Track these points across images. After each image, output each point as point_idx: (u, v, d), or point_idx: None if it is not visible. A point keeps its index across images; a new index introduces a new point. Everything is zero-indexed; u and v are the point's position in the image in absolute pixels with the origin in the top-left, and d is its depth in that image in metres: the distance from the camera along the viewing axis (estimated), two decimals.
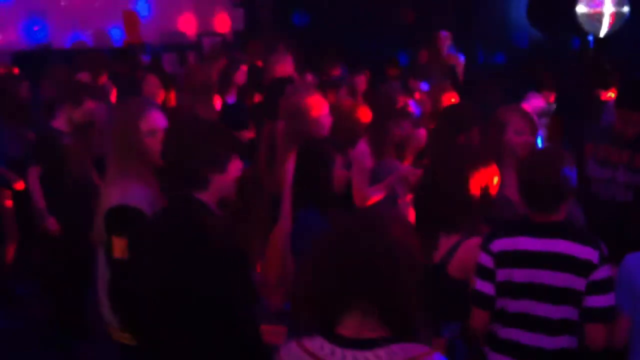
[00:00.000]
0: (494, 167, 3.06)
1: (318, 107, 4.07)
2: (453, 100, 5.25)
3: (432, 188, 3.06)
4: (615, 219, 3.82)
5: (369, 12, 10.91)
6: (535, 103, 6.42)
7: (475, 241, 2.91)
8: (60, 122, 5.19)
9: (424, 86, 6.61)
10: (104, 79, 7.07)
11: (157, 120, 3.09)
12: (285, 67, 6.31)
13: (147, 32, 10.70)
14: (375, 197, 4.23)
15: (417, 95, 6.08)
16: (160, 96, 5.84)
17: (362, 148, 4.36)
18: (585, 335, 2.75)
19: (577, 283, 2.71)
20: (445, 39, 8.64)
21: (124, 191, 2.96)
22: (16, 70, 7.39)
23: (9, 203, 5.93)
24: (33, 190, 5.16)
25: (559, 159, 2.83)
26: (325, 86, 6.25)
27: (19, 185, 5.72)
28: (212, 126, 2.79)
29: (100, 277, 3.18)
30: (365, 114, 4.84)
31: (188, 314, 2.48)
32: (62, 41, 9.99)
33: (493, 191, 3.06)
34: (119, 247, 2.87)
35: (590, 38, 9.37)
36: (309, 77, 7.11)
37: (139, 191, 2.97)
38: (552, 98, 6.79)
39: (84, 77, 6.76)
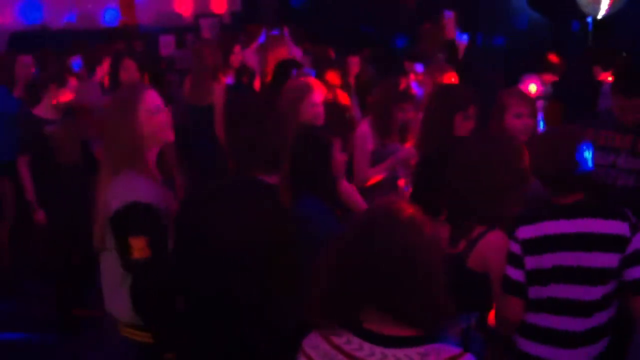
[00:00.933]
0: (527, 154, 2.90)
1: (316, 94, 4.04)
2: (453, 80, 5.21)
3: (460, 178, 2.90)
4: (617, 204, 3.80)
5: None
6: (530, 85, 6.37)
7: (496, 234, 2.83)
8: (41, 109, 5.10)
9: (419, 67, 6.54)
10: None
11: (155, 99, 2.95)
12: (284, 50, 6.27)
13: (143, 14, 10.61)
14: (375, 178, 4.22)
15: (411, 77, 6.01)
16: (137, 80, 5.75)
17: (364, 129, 4.33)
18: (631, 309, 2.69)
19: (612, 260, 2.65)
20: (450, 19, 8.40)
21: (129, 188, 2.80)
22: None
23: (9, 185, 5.88)
24: (23, 181, 5.11)
25: (569, 140, 2.78)
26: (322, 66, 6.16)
27: None
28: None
29: (106, 277, 3.03)
30: (344, 98, 4.87)
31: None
32: (57, 22, 9.91)
33: (526, 178, 2.91)
34: (138, 247, 2.73)
35: (590, 20, 9.31)
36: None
37: (146, 185, 2.83)
38: (549, 80, 6.74)
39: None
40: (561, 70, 6.75)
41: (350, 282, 1.84)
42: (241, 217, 2.55)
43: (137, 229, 2.73)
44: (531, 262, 2.74)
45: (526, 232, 2.76)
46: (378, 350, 1.82)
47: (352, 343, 1.85)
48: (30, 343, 5.16)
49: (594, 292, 2.70)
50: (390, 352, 1.81)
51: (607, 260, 2.66)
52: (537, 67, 6.78)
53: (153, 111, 2.90)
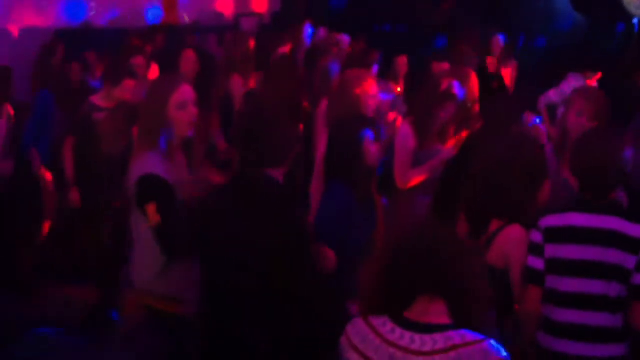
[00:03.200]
0: (544, 150, 2.99)
1: (366, 88, 4.06)
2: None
3: (479, 176, 3.00)
4: None
5: None
6: (573, 84, 6.29)
7: (515, 228, 2.87)
8: (98, 98, 5.25)
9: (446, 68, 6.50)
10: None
11: (186, 94, 3.17)
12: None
13: (185, 12, 10.72)
14: (417, 180, 4.19)
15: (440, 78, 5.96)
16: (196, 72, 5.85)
17: (405, 129, 4.31)
18: (629, 314, 2.72)
19: (628, 261, 2.69)
20: (498, 45, 8.13)
21: (144, 165, 3.06)
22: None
23: (50, 181, 5.97)
24: (65, 158, 5.25)
25: (615, 143, 2.81)
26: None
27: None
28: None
29: (138, 252, 3.22)
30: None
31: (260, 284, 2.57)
32: (101, 20, 10.05)
33: (544, 175, 3.01)
34: (151, 213, 2.96)
35: (635, 21, 9.17)
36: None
37: (157, 162, 3.05)
38: (593, 81, 6.64)
39: (138, 60, 6.80)
40: (602, 70, 6.68)
41: (407, 277, 2.00)
42: (244, 213, 2.67)
43: (146, 197, 2.99)
44: (550, 250, 2.78)
45: (550, 220, 2.80)
46: (408, 334, 1.96)
47: (386, 326, 2.00)
48: (57, 343, 5.23)
49: (609, 288, 2.72)
50: (418, 336, 1.94)
51: (624, 259, 2.68)
52: (580, 67, 6.71)
53: (177, 107, 3.12)
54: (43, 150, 5.82)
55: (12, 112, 5.81)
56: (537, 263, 2.81)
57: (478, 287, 1.99)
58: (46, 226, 6.06)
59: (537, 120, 4.55)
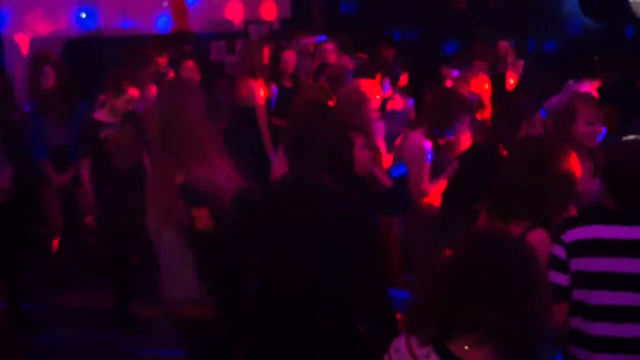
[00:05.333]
0: (575, 158, 2.93)
1: (374, 100, 4.05)
2: (486, 86, 5.12)
3: (508, 178, 2.93)
4: None
5: (418, 0, 10.77)
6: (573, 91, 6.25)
7: (538, 233, 2.83)
8: (101, 114, 5.22)
9: (455, 74, 6.48)
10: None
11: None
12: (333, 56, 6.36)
13: (195, 20, 10.74)
14: (435, 191, 4.15)
15: (449, 83, 5.96)
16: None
17: (420, 141, 4.28)
18: None
19: None
20: (505, 49, 8.11)
21: (189, 168, 3.05)
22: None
23: (51, 196, 5.93)
24: (84, 183, 5.25)
25: None
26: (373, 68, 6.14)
27: (63, 179, 5.75)
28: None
29: (167, 261, 3.20)
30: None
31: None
32: (112, 28, 10.09)
33: (576, 180, 2.93)
34: (200, 217, 2.94)
35: None
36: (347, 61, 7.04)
37: (207, 167, 3.06)
38: (593, 87, 6.60)
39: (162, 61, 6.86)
40: (606, 76, 6.64)
41: (467, 293, 1.85)
42: (300, 215, 2.63)
43: (199, 200, 2.94)
44: (577, 264, 2.74)
45: (574, 234, 2.75)
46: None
47: (429, 358, 1.90)
48: (87, 339, 5.28)
49: (637, 300, 2.69)
50: None
51: None
52: (589, 73, 6.68)
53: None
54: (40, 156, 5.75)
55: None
56: (562, 279, 2.77)
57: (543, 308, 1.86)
58: (56, 242, 6.08)
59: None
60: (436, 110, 4.35)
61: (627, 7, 8.92)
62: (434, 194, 4.16)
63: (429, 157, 4.23)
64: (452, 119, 4.19)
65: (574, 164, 2.89)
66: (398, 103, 6.31)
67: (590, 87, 6.45)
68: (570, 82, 6.49)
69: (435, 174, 4.19)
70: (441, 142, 4.21)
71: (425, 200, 4.20)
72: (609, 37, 9.59)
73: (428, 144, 4.24)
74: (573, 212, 2.96)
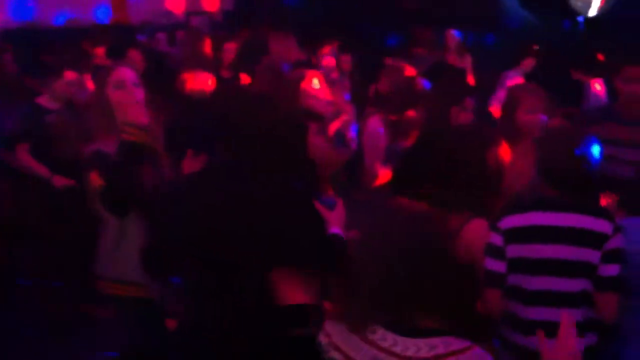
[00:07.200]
0: (505, 145, 2.98)
1: (310, 85, 4.06)
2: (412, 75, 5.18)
3: (442, 167, 2.95)
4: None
5: None
6: (513, 80, 6.39)
7: (479, 223, 2.86)
8: (44, 99, 5.14)
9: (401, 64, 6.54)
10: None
11: (125, 74, 3.34)
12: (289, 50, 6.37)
13: (135, 11, 10.59)
14: (386, 177, 4.21)
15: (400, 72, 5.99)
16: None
17: (377, 127, 4.33)
18: (597, 307, 2.76)
19: (593, 256, 2.73)
20: (455, 41, 8.16)
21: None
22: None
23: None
24: (29, 163, 5.11)
25: (580, 139, 2.83)
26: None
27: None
28: None
29: (104, 243, 3.28)
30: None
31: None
32: (49, 19, 9.87)
33: (505, 170, 2.97)
34: (94, 179, 3.13)
35: (581, 19, 9.35)
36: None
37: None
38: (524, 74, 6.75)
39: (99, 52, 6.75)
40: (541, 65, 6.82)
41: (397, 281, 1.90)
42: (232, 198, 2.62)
43: (89, 166, 3.21)
44: (513, 250, 2.79)
45: (510, 221, 2.80)
46: (390, 336, 1.90)
47: (373, 334, 1.93)
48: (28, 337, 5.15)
49: (579, 284, 2.75)
50: (401, 339, 1.89)
51: (590, 254, 2.72)
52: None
53: (114, 85, 3.30)
54: None
55: None
56: (498, 266, 2.81)
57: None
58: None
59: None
60: (391, 97, 4.43)
61: (565, 1, 9.12)
62: (384, 178, 4.23)
63: (384, 142, 4.29)
64: (408, 108, 4.26)
65: (504, 153, 2.93)
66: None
67: (519, 78, 6.62)
68: (506, 73, 6.65)
69: (389, 159, 4.25)
70: (398, 129, 4.26)
71: (375, 184, 4.26)
72: (547, 30, 9.80)
73: (383, 131, 4.30)
74: (507, 200, 3.01)
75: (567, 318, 2.13)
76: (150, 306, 3.21)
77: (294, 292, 2.36)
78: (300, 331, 2.32)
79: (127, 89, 3.28)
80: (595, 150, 2.84)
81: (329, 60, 7.01)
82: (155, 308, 3.19)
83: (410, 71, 5.11)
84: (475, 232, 2.84)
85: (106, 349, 4.53)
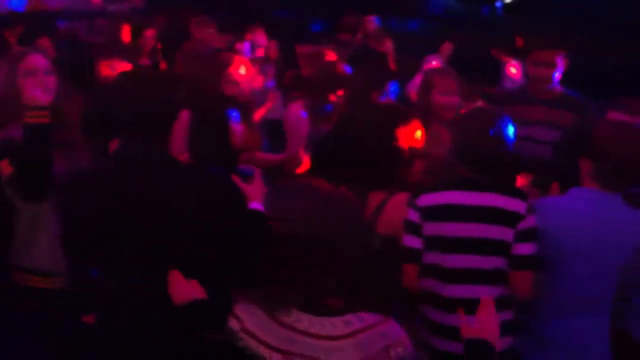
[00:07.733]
0: (417, 123, 3.01)
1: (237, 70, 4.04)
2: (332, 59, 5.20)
3: (357, 146, 2.96)
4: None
5: None
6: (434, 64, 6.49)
7: (402, 197, 2.91)
8: None
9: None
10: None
11: (37, 62, 3.23)
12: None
13: None
14: (308, 164, 4.21)
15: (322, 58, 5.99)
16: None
17: (299, 113, 4.32)
18: (512, 284, 2.82)
19: (507, 234, 2.78)
20: (375, 28, 8.16)
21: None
22: None
23: None
24: None
25: (491, 119, 2.89)
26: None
27: None
28: None
29: (20, 235, 3.16)
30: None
31: None
32: None
33: (418, 147, 3.01)
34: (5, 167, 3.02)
35: (499, 4, 9.54)
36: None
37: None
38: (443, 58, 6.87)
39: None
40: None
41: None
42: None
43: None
44: (430, 228, 2.83)
45: (426, 200, 2.85)
46: (305, 317, 1.93)
47: (286, 317, 1.96)
48: None
49: (494, 262, 2.81)
50: (316, 319, 1.92)
51: (504, 233, 2.78)
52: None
53: (25, 73, 3.18)
54: None
55: None
56: (415, 242, 2.86)
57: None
58: None
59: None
60: (314, 83, 4.43)
61: None
62: (307, 164, 4.23)
63: (306, 128, 4.28)
64: (330, 93, 4.27)
65: (416, 129, 2.96)
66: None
67: (438, 62, 6.73)
68: (426, 57, 6.76)
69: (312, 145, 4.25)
70: (320, 115, 4.26)
71: (298, 170, 4.25)
72: (467, 15, 9.97)
73: (306, 117, 4.30)
74: (422, 177, 3.06)
75: (485, 295, 2.15)
76: (67, 299, 3.12)
77: (184, 289, 2.30)
78: (204, 332, 2.26)
79: (38, 77, 3.18)
80: (510, 130, 2.91)
81: (253, 46, 6.97)
82: (72, 301, 3.10)
83: (331, 56, 5.13)
84: (398, 205, 2.89)
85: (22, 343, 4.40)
